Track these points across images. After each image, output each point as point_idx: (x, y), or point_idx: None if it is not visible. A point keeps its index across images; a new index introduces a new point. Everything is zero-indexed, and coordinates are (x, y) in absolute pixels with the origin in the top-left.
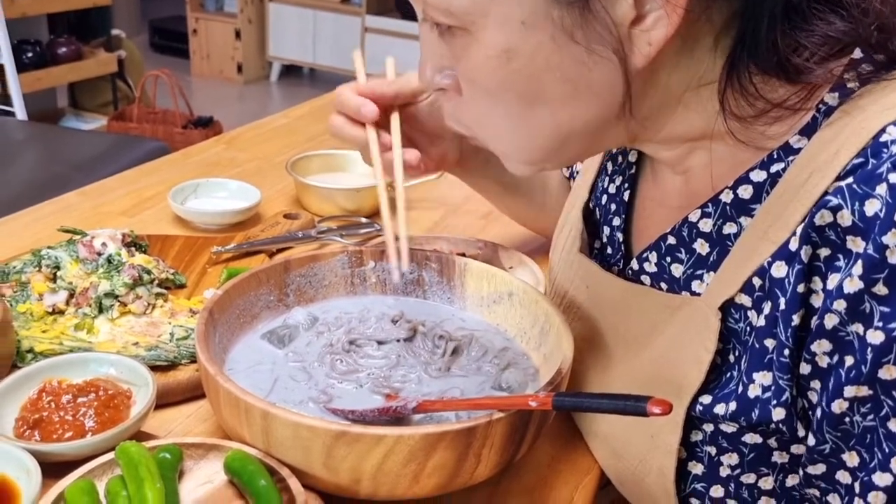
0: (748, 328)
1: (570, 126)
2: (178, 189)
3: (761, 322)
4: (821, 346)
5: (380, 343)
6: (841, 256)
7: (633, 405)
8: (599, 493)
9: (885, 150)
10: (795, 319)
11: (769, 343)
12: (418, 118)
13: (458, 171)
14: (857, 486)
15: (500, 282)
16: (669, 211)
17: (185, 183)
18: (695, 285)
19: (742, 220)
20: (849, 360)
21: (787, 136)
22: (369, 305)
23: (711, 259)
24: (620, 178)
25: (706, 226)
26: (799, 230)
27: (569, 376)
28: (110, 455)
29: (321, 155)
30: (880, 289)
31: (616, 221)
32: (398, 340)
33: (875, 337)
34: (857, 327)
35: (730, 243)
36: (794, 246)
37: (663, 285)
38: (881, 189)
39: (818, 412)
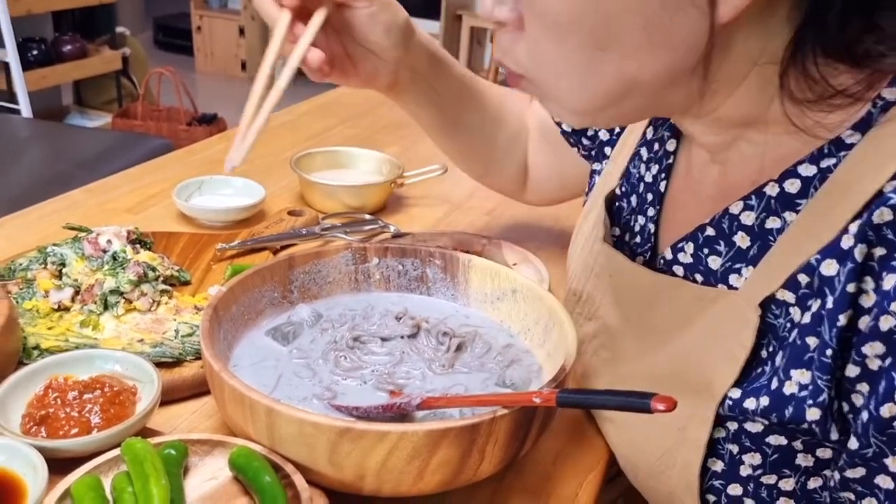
0: (788, 324)
1: (636, 77)
2: (182, 186)
3: (806, 319)
4: (873, 349)
5: (384, 340)
6: None
7: (637, 402)
8: (604, 488)
9: None
10: (842, 320)
11: (811, 341)
12: (354, 25)
13: (392, 96)
14: None
15: (504, 278)
16: (702, 202)
17: (190, 180)
18: (732, 279)
19: (786, 214)
20: None
21: (840, 131)
22: (373, 302)
23: (752, 253)
24: (657, 166)
25: (748, 219)
26: (852, 228)
27: (583, 369)
28: (116, 451)
29: (325, 152)
30: None
31: (650, 212)
32: (402, 337)
33: None
34: None
35: (772, 238)
36: (846, 244)
37: (698, 277)
38: None
39: (864, 415)
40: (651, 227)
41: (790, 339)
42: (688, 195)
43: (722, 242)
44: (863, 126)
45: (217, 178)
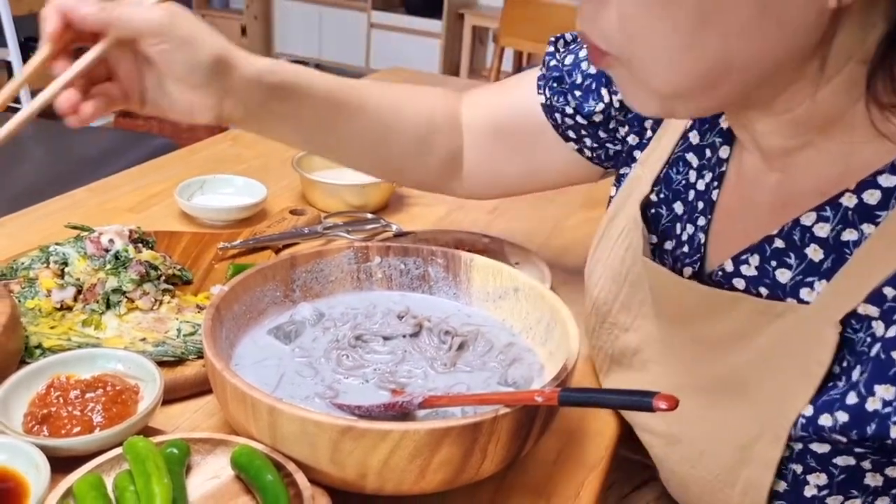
0: (868, 338)
1: (737, 58)
2: (184, 185)
3: (891, 333)
4: None
5: (386, 338)
6: None
7: (639, 400)
8: (631, 496)
9: None
10: None
11: None
12: (154, 61)
13: (235, 126)
14: None
15: (506, 277)
16: (759, 212)
17: (192, 179)
18: (803, 293)
19: (864, 226)
20: None
21: None
22: (375, 301)
23: (825, 266)
24: (710, 174)
25: (822, 230)
26: None
27: (629, 383)
28: (118, 450)
29: None
30: None
31: (701, 221)
32: (404, 336)
33: None
34: None
35: (847, 251)
36: None
37: (763, 290)
38: None
39: None
40: (701, 236)
41: (871, 354)
42: (739, 204)
43: (792, 255)
44: None
45: (219, 178)
